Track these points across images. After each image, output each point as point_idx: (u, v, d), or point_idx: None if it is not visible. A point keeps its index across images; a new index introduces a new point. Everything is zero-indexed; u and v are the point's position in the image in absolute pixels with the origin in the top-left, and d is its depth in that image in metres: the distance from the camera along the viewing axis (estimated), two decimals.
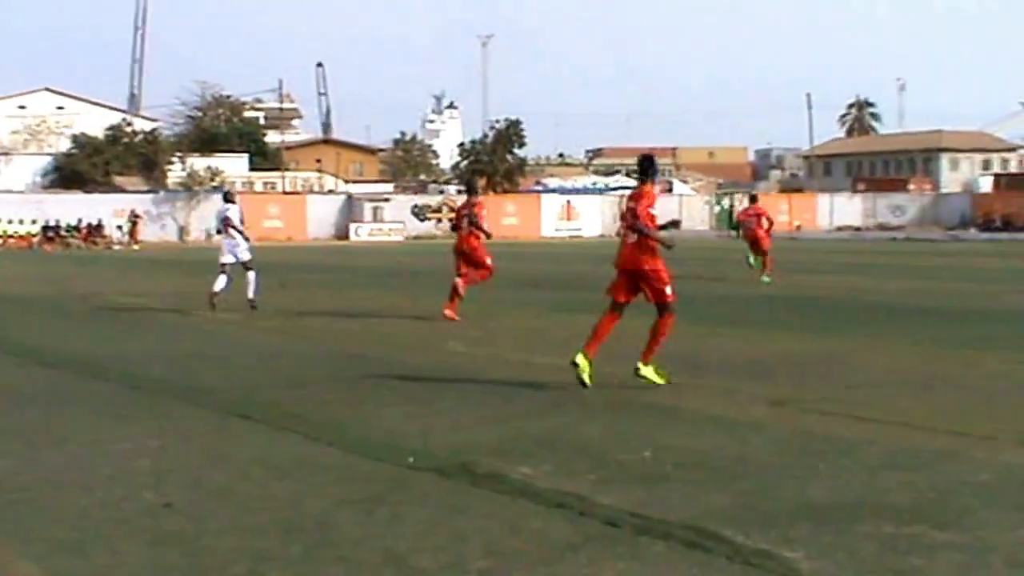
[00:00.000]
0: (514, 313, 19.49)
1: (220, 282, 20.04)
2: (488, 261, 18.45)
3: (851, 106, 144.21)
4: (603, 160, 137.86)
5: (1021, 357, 13.13)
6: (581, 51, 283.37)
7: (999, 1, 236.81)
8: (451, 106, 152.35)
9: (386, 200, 72.47)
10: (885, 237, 62.48)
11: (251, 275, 20.22)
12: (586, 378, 10.83)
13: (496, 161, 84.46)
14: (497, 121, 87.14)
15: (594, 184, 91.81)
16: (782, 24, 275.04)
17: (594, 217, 70.61)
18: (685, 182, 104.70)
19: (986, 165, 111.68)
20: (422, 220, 68.34)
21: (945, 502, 6.81)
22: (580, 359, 10.89)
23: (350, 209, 71.43)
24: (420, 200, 72.43)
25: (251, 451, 8.46)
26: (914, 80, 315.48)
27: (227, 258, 20.32)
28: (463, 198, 19.81)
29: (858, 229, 68.30)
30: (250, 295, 20.05)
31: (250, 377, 12.27)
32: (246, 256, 20.34)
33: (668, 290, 11.04)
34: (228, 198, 21.29)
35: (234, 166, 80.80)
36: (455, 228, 18.91)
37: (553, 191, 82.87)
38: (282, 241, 60.75)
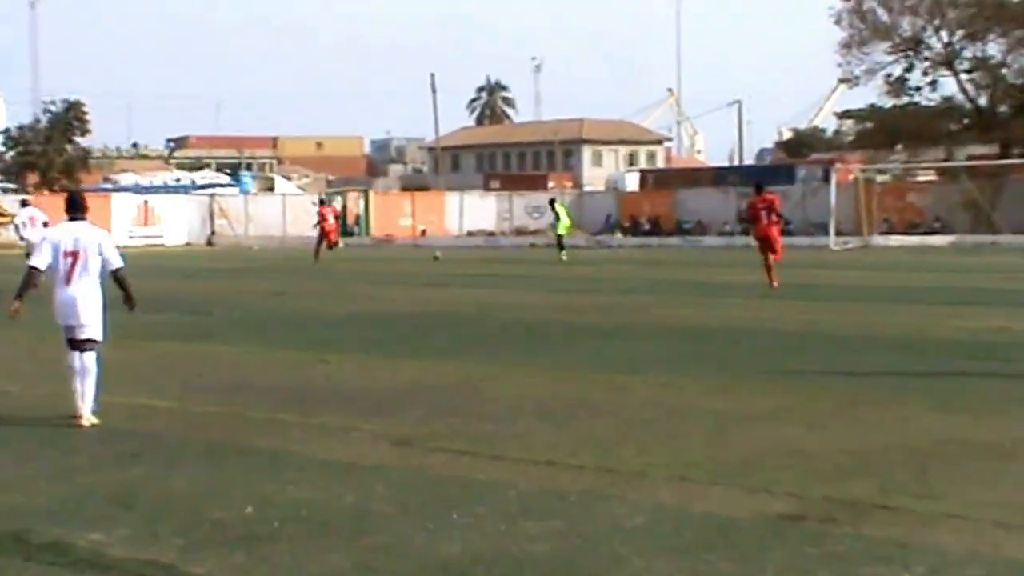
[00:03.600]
0: None
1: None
2: (778, 247, 27.50)
3: (481, 90, 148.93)
4: (188, 151, 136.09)
5: (669, 380, 13.85)
6: (157, 24, 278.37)
7: None
8: None
9: None
10: (524, 243, 64.38)
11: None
12: None
13: (52, 152, 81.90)
14: (52, 103, 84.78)
15: (178, 181, 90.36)
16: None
17: (179, 221, 69.15)
18: (289, 179, 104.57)
19: (632, 159, 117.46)
20: None
21: (594, 551, 7.10)
22: None
23: None
24: None
25: None
26: (551, 61, 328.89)
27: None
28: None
29: (492, 234, 69.95)
30: None
31: None
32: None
33: None
34: (25, 204, 36.64)
35: None
36: (753, 220, 28.09)
37: (127, 190, 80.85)
38: None
